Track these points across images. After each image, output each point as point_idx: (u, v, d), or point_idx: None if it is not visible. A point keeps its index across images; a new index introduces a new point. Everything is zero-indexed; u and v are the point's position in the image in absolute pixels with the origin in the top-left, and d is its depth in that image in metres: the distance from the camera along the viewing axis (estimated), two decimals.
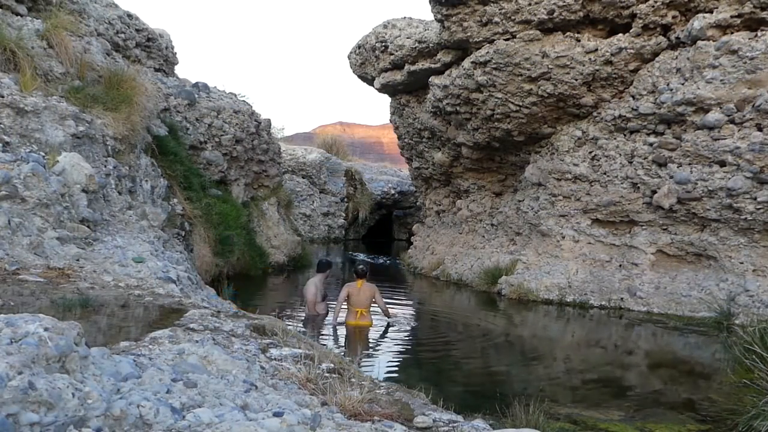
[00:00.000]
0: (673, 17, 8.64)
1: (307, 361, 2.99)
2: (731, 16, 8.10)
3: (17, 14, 7.49)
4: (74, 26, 8.04)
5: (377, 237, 26.13)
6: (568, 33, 9.35)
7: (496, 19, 9.55)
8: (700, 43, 8.29)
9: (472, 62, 10.17)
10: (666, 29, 8.83)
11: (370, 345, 7.09)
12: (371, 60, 13.47)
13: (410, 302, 10.99)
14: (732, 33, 8.16)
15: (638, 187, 9.51)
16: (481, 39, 9.91)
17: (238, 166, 12.50)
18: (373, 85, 13.97)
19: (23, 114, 6.10)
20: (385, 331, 7.57)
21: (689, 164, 8.82)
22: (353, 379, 2.93)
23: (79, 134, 6.43)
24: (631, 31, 8.94)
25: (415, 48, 11.81)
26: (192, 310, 3.81)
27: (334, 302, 7.77)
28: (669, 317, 8.91)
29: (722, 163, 8.50)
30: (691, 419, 4.66)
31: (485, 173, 13.12)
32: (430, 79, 11.84)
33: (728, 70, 8.10)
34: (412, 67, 12.12)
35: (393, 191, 25.39)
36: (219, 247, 10.02)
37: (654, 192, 9.29)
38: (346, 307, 7.58)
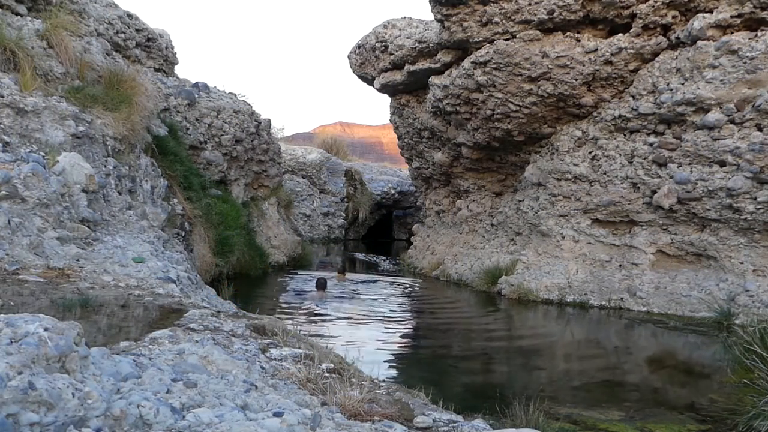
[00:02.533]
0: (673, 17, 8.64)
1: (307, 361, 2.99)
2: (731, 16, 8.10)
3: (17, 14, 7.49)
4: (74, 26, 8.04)
5: (377, 237, 26.13)
6: (568, 33, 9.36)
7: (496, 19, 9.55)
8: (700, 43, 8.29)
9: (472, 62, 10.17)
10: (666, 29, 8.83)
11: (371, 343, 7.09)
12: (371, 60, 13.47)
13: (410, 302, 10.99)
14: (732, 33, 8.16)
15: (638, 187, 9.51)
16: (481, 39, 9.91)
17: (238, 166, 12.50)
18: (373, 85, 13.98)
19: (23, 114, 6.10)
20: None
21: (689, 164, 8.82)
22: (353, 379, 2.93)
23: (79, 134, 6.43)
24: (631, 31, 8.94)
25: (415, 48, 11.82)
26: (192, 310, 3.81)
27: None
28: (669, 317, 8.90)
29: (722, 163, 8.50)
30: (691, 419, 4.66)
31: (485, 173, 13.11)
32: (430, 79, 11.84)
33: (728, 70, 8.10)
34: (412, 67, 12.12)
35: (393, 191, 25.39)
36: (219, 247, 10.02)
37: (654, 192, 9.29)
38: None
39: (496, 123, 10.77)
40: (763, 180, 8.20)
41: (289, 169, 21.91)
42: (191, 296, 5.37)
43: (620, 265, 9.99)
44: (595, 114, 9.90)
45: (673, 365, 6.76)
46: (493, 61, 9.77)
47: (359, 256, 19.28)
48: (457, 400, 3.96)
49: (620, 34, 9.07)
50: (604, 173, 9.83)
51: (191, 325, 3.32)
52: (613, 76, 9.26)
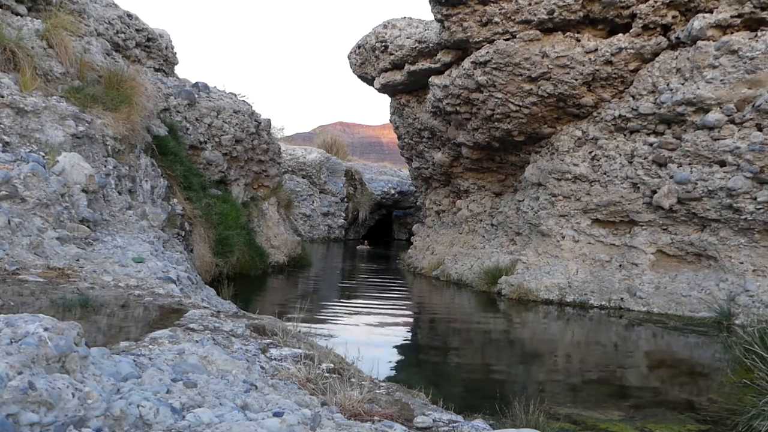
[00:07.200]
0: (673, 17, 8.64)
1: (307, 361, 2.99)
2: (731, 16, 8.10)
3: (17, 14, 7.49)
4: (74, 26, 8.04)
5: (377, 237, 26.14)
6: (568, 33, 9.36)
7: (496, 19, 9.55)
8: (700, 43, 8.29)
9: (472, 62, 10.17)
10: (666, 29, 8.83)
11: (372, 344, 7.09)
12: (371, 60, 13.47)
13: (410, 302, 10.99)
14: (732, 33, 8.16)
15: (638, 187, 9.51)
16: (481, 39, 9.91)
17: (238, 166, 12.50)
18: (373, 85, 13.97)
19: (23, 114, 6.10)
20: None
21: (689, 164, 8.82)
22: (353, 379, 2.93)
23: (79, 134, 6.43)
24: (631, 31, 8.94)
25: (415, 48, 11.81)
26: (192, 310, 3.81)
27: None
28: (669, 317, 8.90)
29: (722, 163, 8.50)
30: (691, 419, 4.66)
31: (485, 173, 13.11)
32: (430, 79, 11.84)
33: (728, 70, 8.10)
34: (412, 67, 12.12)
35: (393, 191, 25.40)
36: (219, 247, 10.02)
37: (654, 192, 9.29)
38: None
39: (496, 123, 10.77)
40: (763, 180, 8.20)
41: (289, 169, 21.91)
42: (191, 296, 5.37)
43: (620, 265, 9.99)
44: (595, 114, 9.90)
45: (673, 365, 6.76)
46: (493, 61, 9.77)
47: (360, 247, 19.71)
48: (457, 400, 3.96)
49: (620, 34, 9.07)
50: (604, 173, 9.83)
51: (191, 325, 3.32)
52: (613, 76, 9.26)
